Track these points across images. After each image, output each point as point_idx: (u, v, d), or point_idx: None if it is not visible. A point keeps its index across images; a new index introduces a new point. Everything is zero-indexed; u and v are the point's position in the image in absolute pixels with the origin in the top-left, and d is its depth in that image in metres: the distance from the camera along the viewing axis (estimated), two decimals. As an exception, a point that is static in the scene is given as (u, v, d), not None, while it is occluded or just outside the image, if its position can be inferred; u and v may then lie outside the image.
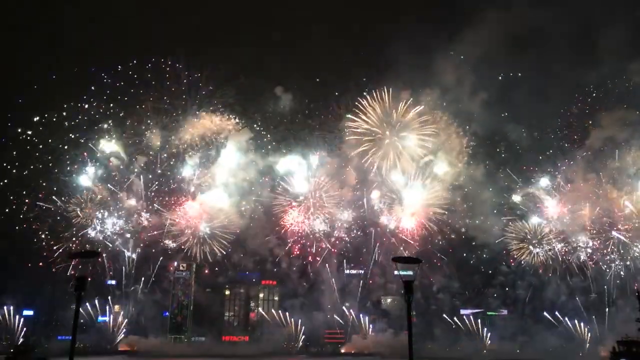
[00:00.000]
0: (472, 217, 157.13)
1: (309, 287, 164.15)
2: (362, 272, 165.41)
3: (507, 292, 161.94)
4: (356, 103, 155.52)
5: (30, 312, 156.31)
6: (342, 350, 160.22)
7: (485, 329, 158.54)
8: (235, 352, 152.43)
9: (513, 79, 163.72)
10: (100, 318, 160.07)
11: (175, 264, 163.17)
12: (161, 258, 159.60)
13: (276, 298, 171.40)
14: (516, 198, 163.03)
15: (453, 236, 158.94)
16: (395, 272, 28.25)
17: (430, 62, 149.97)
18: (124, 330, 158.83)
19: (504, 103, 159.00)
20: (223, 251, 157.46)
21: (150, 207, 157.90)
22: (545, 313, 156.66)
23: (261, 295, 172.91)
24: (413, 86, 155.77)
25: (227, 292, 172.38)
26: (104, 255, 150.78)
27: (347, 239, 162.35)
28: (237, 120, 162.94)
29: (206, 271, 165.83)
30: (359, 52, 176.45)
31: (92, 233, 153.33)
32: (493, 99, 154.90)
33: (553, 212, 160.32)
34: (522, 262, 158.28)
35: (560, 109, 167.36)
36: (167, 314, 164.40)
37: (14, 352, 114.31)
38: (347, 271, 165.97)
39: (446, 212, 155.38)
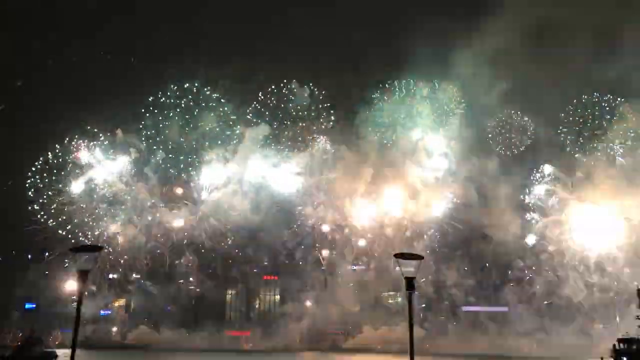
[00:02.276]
0: (486, 212, 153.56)
1: (319, 281, 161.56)
2: (372, 265, 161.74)
3: (523, 289, 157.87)
4: (374, 96, 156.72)
5: (32, 305, 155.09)
6: (346, 346, 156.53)
7: (501, 326, 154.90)
8: (241, 347, 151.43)
9: (531, 71, 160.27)
10: (102, 312, 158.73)
11: (182, 257, 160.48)
12: (159, 251, 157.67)
13: (280, 293, 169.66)
14: (532, 193, 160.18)
15: (467, 233, 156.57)
16: (397, 269, 26.43)
17: (447, 55, 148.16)
18: (128, 323, 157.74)
19: (521, 96, 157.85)
20: (229, 245, 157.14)
21: (163, 201, 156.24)
22: (561, 310, 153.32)
23: (265, 289, 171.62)
24: (430, 79, 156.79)
25: (231, 287, 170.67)
26: (108, 248, 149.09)
27: (359, 232, 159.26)
28: (253, 114, 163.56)
29: (211, 265, 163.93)
30: (376, 45, 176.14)
31: (98, 225, 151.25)
32: (510, 92, 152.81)
33: (570, 208, 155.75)
34: (539, 259, 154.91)
35: (579, 101, 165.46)
36: (169, 308, 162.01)
37: (20, 345, 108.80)
38: (356, 266, 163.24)
39: (461, 205, 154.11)
